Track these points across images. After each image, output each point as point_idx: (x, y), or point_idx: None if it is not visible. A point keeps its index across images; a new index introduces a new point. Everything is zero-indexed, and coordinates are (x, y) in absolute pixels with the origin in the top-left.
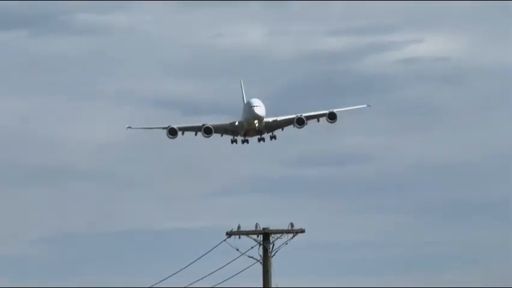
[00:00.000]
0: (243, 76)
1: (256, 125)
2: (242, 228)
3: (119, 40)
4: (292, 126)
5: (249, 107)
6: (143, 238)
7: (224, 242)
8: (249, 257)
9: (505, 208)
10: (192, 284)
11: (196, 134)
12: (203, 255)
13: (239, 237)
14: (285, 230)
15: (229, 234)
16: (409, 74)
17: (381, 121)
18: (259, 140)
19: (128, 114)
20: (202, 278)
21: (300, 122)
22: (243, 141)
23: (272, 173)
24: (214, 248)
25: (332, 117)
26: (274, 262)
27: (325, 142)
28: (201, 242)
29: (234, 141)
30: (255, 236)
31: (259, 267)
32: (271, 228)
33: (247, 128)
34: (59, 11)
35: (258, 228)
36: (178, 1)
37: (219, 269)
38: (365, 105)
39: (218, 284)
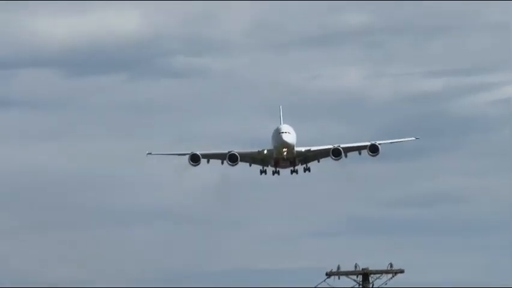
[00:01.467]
0: (340, 117)
1: (285, 153)
2: (341, 269)
3: (216, 82)
4: (329, 157)
5: (277, 133)
6: (243, 278)
7: (324, 282)
8: None
9: None
10: None
11: (222, 163)
12: None
13: (338, 278)
14: (385, 270)
15: (329, 274)
16: (505, 115)
17: (476, 162)
18: (291, 172)
19: None
20: None
21: (336, 153)
22: (273, 173)
23: (368, 213)
24: None
25: (373, 150)
26: None
27: (420, 181)
28: (301, 282)
29: (263, 171)
30: (354, 277)
31: None
32: (370, 269)
33: (277, 157)
34: (157, 54)
35: (358, 269)
36: (273, 45)
37: None
38: (413, 138)
39: None
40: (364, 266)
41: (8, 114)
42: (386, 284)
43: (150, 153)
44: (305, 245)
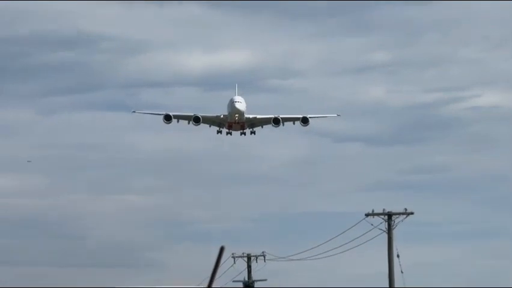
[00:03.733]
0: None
1: (237, 118)
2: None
3: (294, 96)
4: (270, 125)
5: (231, 102)
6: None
7: (364, 220)
8: (379, 229)
9: None
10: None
11: (188, 123)
12: (350, 228)
13: (373, 217)
14: (401, 212)
15: (367, 215)
16: (474, 116)
17: (454, 146)
18: (241, 133)
19: None
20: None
21: (276, 121)
22: (227, 133)
23: (393, 178)
24: (357, 223)
25: (304, 121)
26: (395, 233)
27: (419, 159)
28: (345, 221)
29: (219, 131)
30: (382, 216)
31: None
32: (393, 211)
33: (230, 121)
34: (259, 78)
35: (385, 211)
36: (330, 72)
37: (361, 235)
38: (335, 115)
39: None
40: (389, 210)
41: None
42: (402, 221)
43: (134, 112)
44: (351, 197)
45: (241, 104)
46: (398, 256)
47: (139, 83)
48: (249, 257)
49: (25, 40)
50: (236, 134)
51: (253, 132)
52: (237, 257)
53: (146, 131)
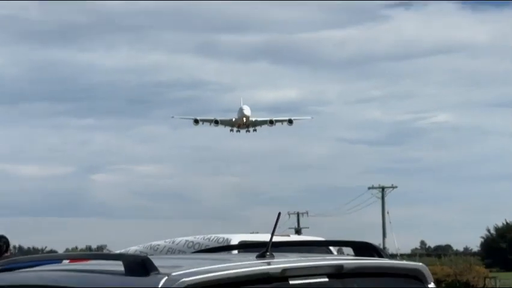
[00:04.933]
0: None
1: (244, 120)
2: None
3: (322, 119)
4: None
5: (240, 109)
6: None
7: (367, 191)
8: (376, 197)
9: None
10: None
11: (210, 124)
12: (359, 196)
13: (372, 190)
14: (389, 186)
15: (369, 188)
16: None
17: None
18: (246, 131)
19: None
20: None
21: (271, 122)
22: (236, 131)
23: (384, 165)
24: (363, 193)
25: (290, 122)
26: (386, 200)
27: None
28: (357, 192)
29: (231, 130)
30: (378, 188)
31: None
32: (385, 186)
33: (239, 123)
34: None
35: (380, 185)
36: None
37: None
38: (309, 117)
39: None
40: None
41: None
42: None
43: (173, 117)
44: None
45: (247, 111)
46: (387, 213)
47: (231, 109)
48: (298, 214)
49: (164, 83)
50: (242, 131)
51: (254, 130)
52: (290, 213)
53: (224, 138)
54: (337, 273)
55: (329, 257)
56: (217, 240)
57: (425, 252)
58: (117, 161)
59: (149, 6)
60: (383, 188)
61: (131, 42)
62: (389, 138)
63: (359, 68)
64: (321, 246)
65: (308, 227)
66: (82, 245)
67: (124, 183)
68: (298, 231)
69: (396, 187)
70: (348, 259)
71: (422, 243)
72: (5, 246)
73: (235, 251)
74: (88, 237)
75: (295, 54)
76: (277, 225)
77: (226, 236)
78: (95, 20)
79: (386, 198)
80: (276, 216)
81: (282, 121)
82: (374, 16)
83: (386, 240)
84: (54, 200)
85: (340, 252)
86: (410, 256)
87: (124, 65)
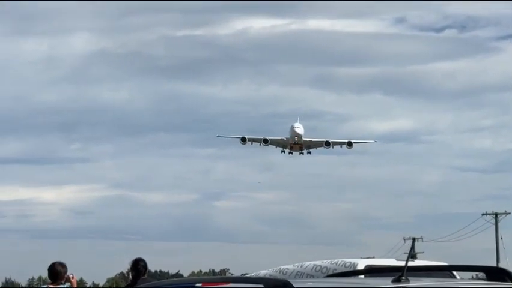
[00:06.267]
0: None
1: (296, 140)
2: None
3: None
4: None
5: (292, 127)
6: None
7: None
8: (490, 222)
9: None
10: None
11: (260, 144)
12: (473, 222)
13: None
14: (503, 212)
15: (483, 214)
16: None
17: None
18: (300, 153)
19: None
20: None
21: (327, 144)
22: (289, 153)
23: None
24: (477, 219)
25: (349, 144)
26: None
27: None
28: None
29: (283, 151)
30: (492, 214)
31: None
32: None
33: (291, 143)
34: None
35: (493, 212)
36: None
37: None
38: (373, 141)
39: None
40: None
41: None
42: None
43: (219, 136)
44: None
45: (299, 129)
46: (501, 238)
47: (347, 139)
48: (413, 239)
49: (282, 114)
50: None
51: (309, 152)
52: (406, 239)
53: (338, 165)
54: None
55: (465, 281)
56: (344, 264)
57: None
58: (238, 188)
59: (267, 40)
60: (496, 214)
61: (251, 75)
62: (500, 165)
63: (469, 99)
64: (442, 271)
65: (423, 252)
66: (205, 269)
67: (245, 210)
68: (413, 256)
69: (509, 213)
70: (484, 284)
71: None
72: (143, 269)
73: (362, 276)
74: (211, 261)
75: (407, 85)
76: (393, 251)
77: (352, 260)
78: (216, 54)
79: (499, 224)
80: (411, 242)
81: (340, 143)
82: (484, 48)
83: (500, 265)
84: (178, 225)
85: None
86: None
87: (244, 97)
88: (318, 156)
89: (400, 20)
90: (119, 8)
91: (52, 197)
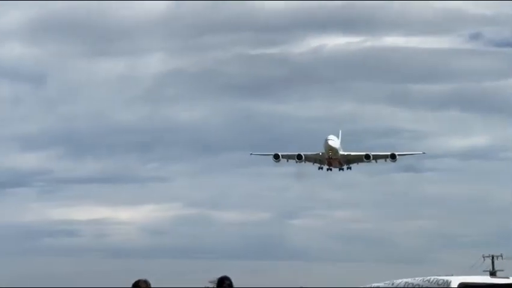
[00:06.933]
0: None
1: (330, 153)
2: None
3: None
4: (363, 162)
5: (325, 140)
6: None
7: None
8: None
9: None
10: None
11: (296, 162)
12: None
13: None
14: None
15: None
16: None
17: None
18: (339, 169)
19: None
20: None
21: (367, 157)
22: (327, 169)
23: None
24: None
25: (393, 157)
26: None
27: None
28: None
29: (320, 168)
30: None
31: None
32: None
33: (327, 157)
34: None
35: None
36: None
37: None
38: (421, 152)
39: None
40: None
41: None
42: None
43: (252, 154)
44: None
45: (333, 142)
46: None
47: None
48: (492, 256)
49: (358, 131)
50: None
51: (349, 168)
52: (485, 256)
53: (416, 183)
54: None
55: None
56: (437, 281)
57: None
58: (314, 207)
59: (342, 58)
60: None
61: (325, 92)
62: None
63: None
64: None
65: (503, 270)
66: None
67: (320, 228)
68: (493, 274)
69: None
70: None
71: None
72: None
73: None
74: (286, 279)
75: (484, 101)
76: (473, 268)
77: (445, 277)
78: (291, 72)
79: None
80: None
81: (384, 157)
82: None
83: None
84: (253, 243)
85: None
86: None
87: (319, 114)
88: (392, 175)
89: (476, 36)
90: (195, 28)
91: (129, 216)
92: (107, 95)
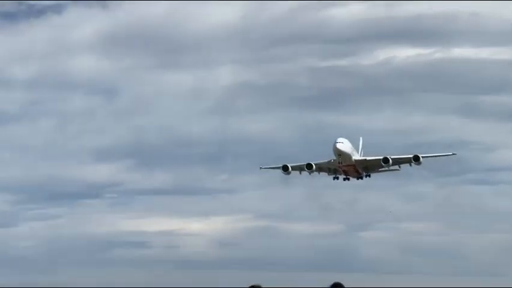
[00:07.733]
0: None
1: (340, 158)
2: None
3: None
4: (382, 167)
5: (334, 144)
6: None
7: None
8: None
9: None
10: None
11: (300, 173)
12: None
13: None
14: None
15: None
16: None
17: None
18: (357, 178)
19: None
20: None
21: (385, 161)
22: (344, 179)
23: None
24: None
25: (416, 159)
26: None
27: None
28: None
29: (335, 178)
30: None
31: None
32: None
33: (339, 164)
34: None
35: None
36: None
37: None
38: (451, 153)
39: None
40: None
41: None
42: None
43: (261, 167)
44: None
45: (342, 145)
46: None
47: (494, 168)
48: None
49: (427, 143)
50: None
51: (368, 176)
52: None
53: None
54: None
55: None
56: None
57: None
58: (385, 219)
59: (411, 69)
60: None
61: (395, 104)
62: None
63: None
64: None
65: None
66: None
67: (391, 240)
68: None
69: None
70: None
71: None
72: None
73: None
74: None
75: None
76: None
77: None
78: (359, 84)
79: None
80: None
81: (406, 160)
82: None
83: None
84: (323, 255)
85: None
86: None
87: (388, 126)
88: (464, 186)
89: None
90: (264, 40)
91: (199, 227)
92: (176, 108)
